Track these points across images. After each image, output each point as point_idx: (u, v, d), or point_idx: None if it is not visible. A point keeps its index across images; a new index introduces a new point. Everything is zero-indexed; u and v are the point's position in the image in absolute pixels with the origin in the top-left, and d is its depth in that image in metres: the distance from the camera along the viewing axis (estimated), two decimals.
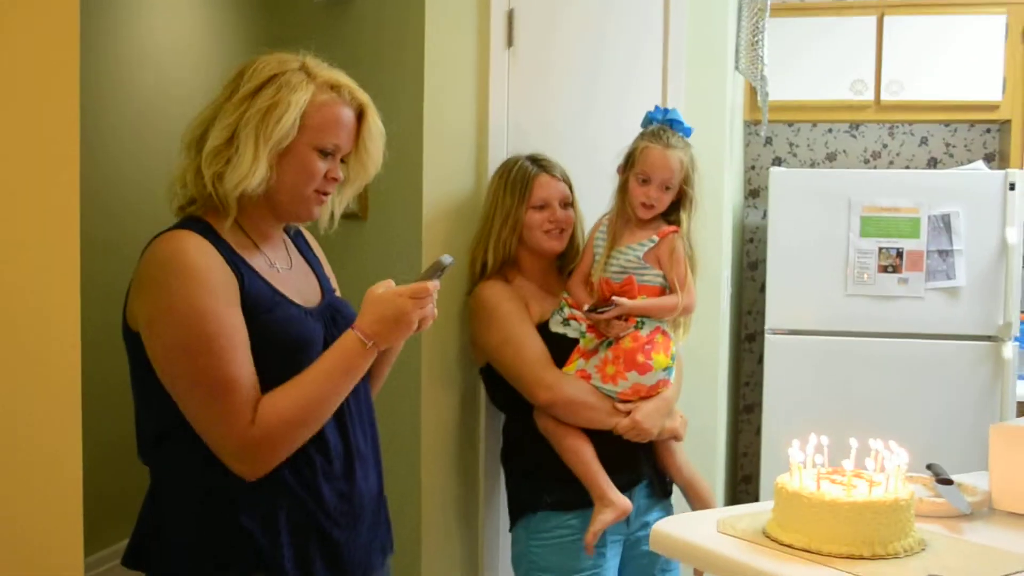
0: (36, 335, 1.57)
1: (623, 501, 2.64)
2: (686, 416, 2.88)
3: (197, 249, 1.80)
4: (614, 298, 2.65)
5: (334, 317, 1.99)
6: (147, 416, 1.91)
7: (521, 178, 2.82)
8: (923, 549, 1.92)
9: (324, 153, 1.91)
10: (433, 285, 1.92)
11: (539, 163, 2.84)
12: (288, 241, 2.07)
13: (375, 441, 2.04)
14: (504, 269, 2.85)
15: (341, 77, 1.95)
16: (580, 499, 2.67)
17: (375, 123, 1.99)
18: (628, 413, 2.68)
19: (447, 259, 1.94)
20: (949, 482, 2.29)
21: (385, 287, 1.92)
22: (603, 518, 2.62)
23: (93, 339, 2.00)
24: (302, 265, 2.07)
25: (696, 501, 2.84)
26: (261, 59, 1.91)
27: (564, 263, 2.91)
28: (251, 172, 1.83)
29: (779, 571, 1.83)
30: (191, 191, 1.89)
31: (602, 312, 2.65)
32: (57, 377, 1.61)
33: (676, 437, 2.81)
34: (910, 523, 1.92)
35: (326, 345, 1.91)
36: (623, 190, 2.76)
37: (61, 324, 1.61)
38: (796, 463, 1.98)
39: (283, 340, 1.86)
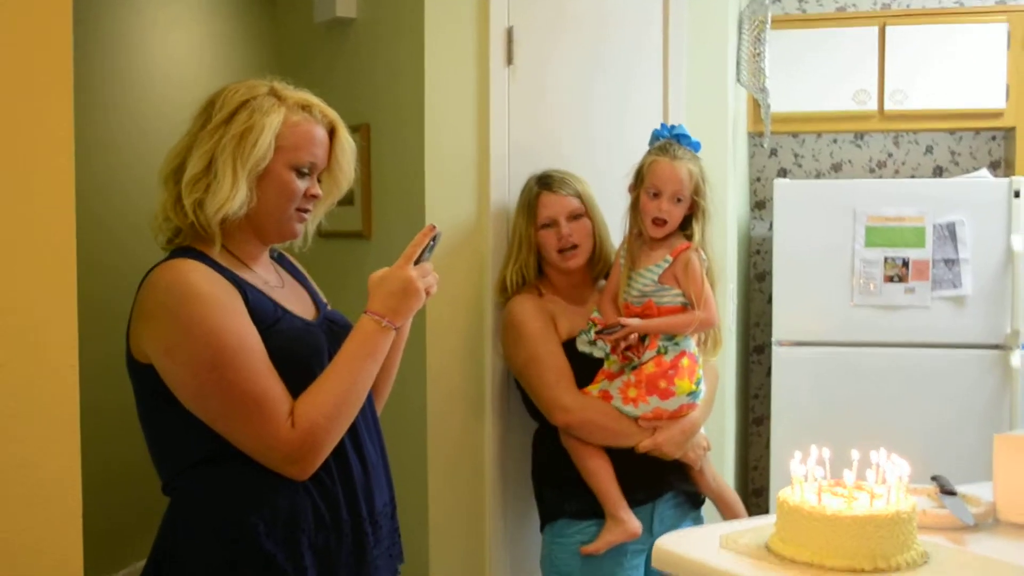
0: (34, 362, 1.58)
1: (633, 523, 2.66)
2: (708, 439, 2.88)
3: (198, 272, 1.82)
4: (620, 319, 2.66)
5: (332, 329, 2.01)
6: (164, 446, 1.91)
7: (527, 199, 2.86)
8: (925, 562, 1.90)
9: (301, 172, 1.93)
10: (424, 244, 1.96)
11: (544, 181, 2.85)
12: (274, 263, 2.09)
13: (384, 452, 2.07)
14: (538, 282, 2.87)
15: (310, 97, 1.97)
16: (599, 508, 2.70)
17: (346, 139, 2.01)
18: (652, 431, 2.69)
19: (435, 230, 1.98)
20: (953, 493, 2.27)
21: (384, 269, 1.96)
22: (609, 538, 2.66)
23: (93, 368, 2.00)
24: (292, 283, 2.10)
25: (726, 512, 2.86)
26: (230, 87, 1.93)
27: (595, 272, 2.91)
28: (231, 196, 1.85)
29: None
30: (174, 222, 1.91)
31: (611, 333, 2.66)
32: (56, 403, 1.62)
33: (689, 462, 2.79)
34: (912, 535, 1.90)
35: (329, 356, 1.92)
36: (635, 208, 2.75)
37: (59, 351, 1.62)
38: (797, 476, 1.97)
39: (292, 351, 1.88)
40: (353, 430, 1.94)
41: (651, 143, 2.77)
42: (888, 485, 1.93)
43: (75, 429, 1.64)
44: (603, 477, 2.69)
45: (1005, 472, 2.23)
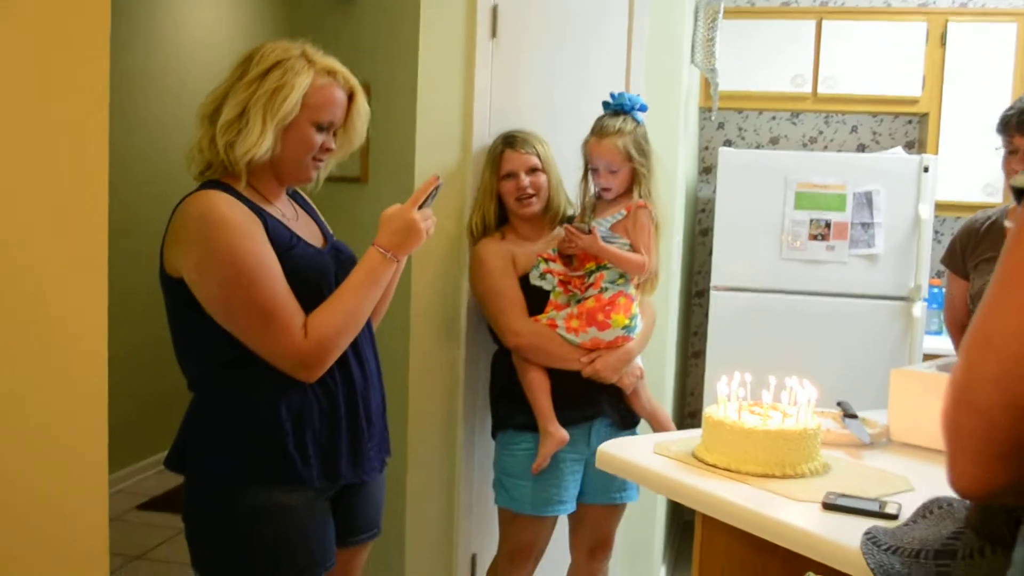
0: (65, 263, 1.58)
1: (560, 432, 2.69)
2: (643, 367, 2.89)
3: (225, 202, 1.84)
4: (593, 224, 2.70)
5: (338, 256, 2.05)
6: (191, 350, 1.95)
7: (493, 155, 2.87)
8: (827, 471, 1.94)
9: (320, 128, 1.96)
10: (428, 191, 2.00)
11: (508, 140, 2.86)
12: (289, 199, 2.11)
13: (378, 361, 2.11)
14: (503, 228, 2.88)
15: (336, 64, 2.00)
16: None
17: (363, 104, 2.04)
18: (592, 359, 2.71)
19: (438, 181, 2.03)
20: (854, 416, 2.31)
21: (394, 208, 2.00)
22: (544, 450, 2.69)
23: (123, 285, 2.00)
24: (305, 216, 2.12)
25: (658, 428, 2.86)
26: (267, 46, 1.95)
27: (548, 218, 2.88)
28: (259, 142, 1.87)
29: (703, 486, 1.85)
30: (207, 156, 1.93)
31: (579, 229, 2.69)
32: (86, 299, 1.61)
33: (624, 387, 2.80)
34: (816, 449, 1.94)
35: (336, 279, 1.96)
36: (585, 180, 2.81)
37: (90, 249, 1.61)
38: (722, 396, 2.00)
39: (304, 274, 1.91)
40: (354, 342, 1.98)
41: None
42: (798, 406, 1.97)
43: (103, 320, 1.63)
44: (539, 393, 2.72)
45: (898, 400, 2.27)
